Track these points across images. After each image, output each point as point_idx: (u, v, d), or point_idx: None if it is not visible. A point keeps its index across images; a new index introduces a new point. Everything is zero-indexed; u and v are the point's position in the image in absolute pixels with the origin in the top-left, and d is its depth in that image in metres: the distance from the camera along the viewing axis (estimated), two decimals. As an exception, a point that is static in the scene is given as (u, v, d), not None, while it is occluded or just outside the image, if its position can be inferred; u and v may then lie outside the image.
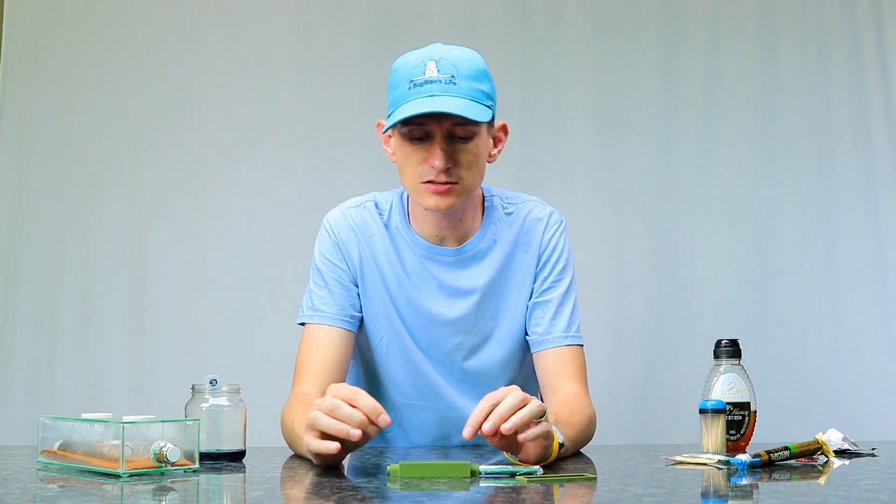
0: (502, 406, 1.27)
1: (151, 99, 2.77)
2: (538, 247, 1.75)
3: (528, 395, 1.31)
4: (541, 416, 1.31)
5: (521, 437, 1.28)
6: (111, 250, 2.72)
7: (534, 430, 1.29)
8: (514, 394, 1.29)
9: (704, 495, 1.18)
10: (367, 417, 1.27)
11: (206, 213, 2.75)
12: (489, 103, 1.63)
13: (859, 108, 2.76)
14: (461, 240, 1.73)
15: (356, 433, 1.26)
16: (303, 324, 1.73)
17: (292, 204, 2.74)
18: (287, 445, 1.59)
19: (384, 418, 1.27)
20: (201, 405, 1.44)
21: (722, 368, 1.71)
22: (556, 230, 1.77)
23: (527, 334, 1.75)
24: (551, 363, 1.72)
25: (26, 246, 2.72)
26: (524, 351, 1.77)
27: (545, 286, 1.74)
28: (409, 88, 1.59)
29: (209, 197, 2.75)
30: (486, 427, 1.26)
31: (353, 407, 1.27)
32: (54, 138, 2.76)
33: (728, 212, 2.75)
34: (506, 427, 1.26)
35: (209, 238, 2.74)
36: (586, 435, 1.61)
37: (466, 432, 1.27)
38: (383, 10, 2.80)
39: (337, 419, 1.27)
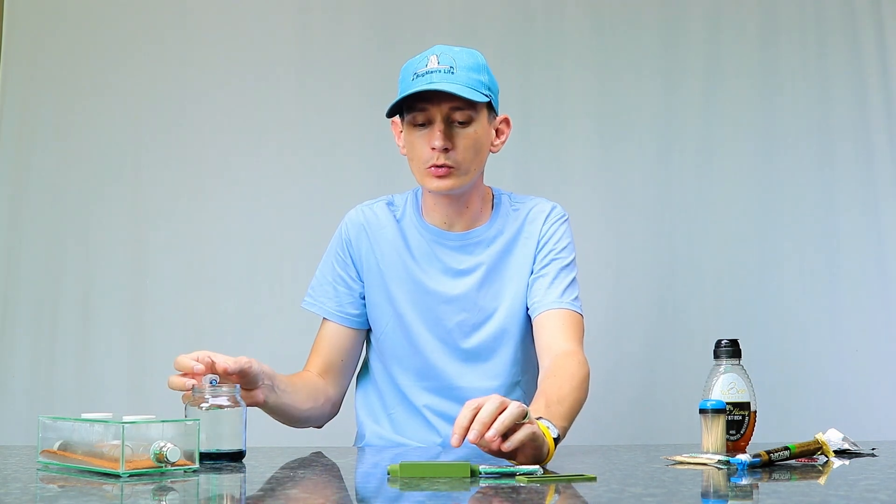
0: (482, 414, 1.29)
1: (151, 99, 2.77)
2: (538, 233, 1.85)
3: (507, 400, 1.32)
4: (522, 417, 1.31)
5: (504, 446, 1.29)
6: (111, 250, 2.72)
7: (516, 437, 1.30)
8: (492, 399, 1.31)
9: (704, 495, 1.18)
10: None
11: (206, 213, 2.74)
12: (487, 93, 1.76)
13: (859, 108, 2.75)
14: (468, 228, 1.84)
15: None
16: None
17: (292, 204, 2.74)
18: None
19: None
20: (201, 405, 1.44)
21: (722, 368, 1.71)
22: (557, 220, 1.87)
23: (528, 310, 1.81)
24: (545, 326, 1.77)
25: (26, 246, 2.72)
26: (525, 332, 1.82)
27: (543, 263, 1.83)
28: (413, 80, 1.76)
29: (209, 197, 2.75)
30: (471, 437, 1.28)
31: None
32: (54, 138, 2.76)
33: (728, 212, 2.75)
34: (489, 435, 1.28)
35: (209, 238, 2.74)
36: (580, 400, 1.63)
37: (454, 440, 1.29)
38: (383, 10, 2.80)
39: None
